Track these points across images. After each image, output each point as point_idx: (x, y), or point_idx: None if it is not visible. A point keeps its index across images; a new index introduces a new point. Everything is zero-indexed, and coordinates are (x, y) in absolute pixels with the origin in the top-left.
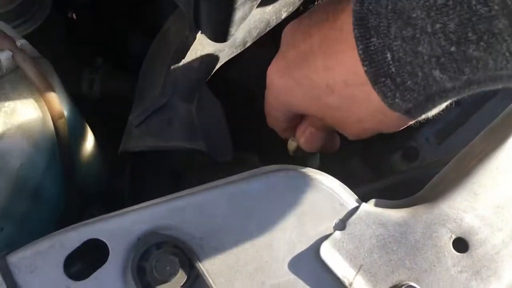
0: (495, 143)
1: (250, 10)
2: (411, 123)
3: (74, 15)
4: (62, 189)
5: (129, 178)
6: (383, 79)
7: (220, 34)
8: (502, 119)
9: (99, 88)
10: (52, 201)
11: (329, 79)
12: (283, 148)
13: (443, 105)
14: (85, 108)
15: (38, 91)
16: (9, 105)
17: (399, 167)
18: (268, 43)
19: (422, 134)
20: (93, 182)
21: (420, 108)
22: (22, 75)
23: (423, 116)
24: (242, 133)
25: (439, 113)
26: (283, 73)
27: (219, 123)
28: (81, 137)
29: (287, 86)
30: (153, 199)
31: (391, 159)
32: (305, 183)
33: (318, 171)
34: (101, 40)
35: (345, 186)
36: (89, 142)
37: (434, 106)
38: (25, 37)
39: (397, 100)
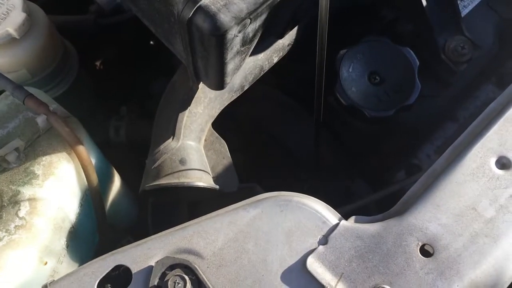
0: (455, 160)
1: (242, 61)
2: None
3: (101, 66)
4: (95, 225)
5: (150, 212)
6: None
7: (217, 84)
8: (462, 139)
9: (124, 134)
10: (87, 236)
11: None
12: (283, 176)
13: None
14: (116, 152)
15: (69, 145)
16: (46, 159)
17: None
18: (272, 81)
19: (423, 151)
20: (123, 218)
21: None
22: (55, 134)
23: None
24: (248, 165)
25: (438, 131)
26: None
27: (225, 159)
28: (109, 179)
29: None
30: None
31: (395, 178)
32: (292, 206)
33: (305, 195)
34: (126, 87)
35: (329, 206)
36: (116, 183)
37: None
38: (58, 97)
39: None
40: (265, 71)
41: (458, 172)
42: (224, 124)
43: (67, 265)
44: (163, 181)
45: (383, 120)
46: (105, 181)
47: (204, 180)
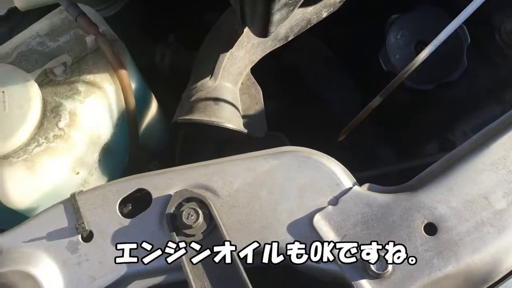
0: (478, 148)
1: (288, 13)
2: None
3: None
4: (127, 145)
5: (180, 143)
6: None
7: (261, 32)
8: (491, 127)
9: (169, 62)
10: (118, 155)
11: None
12: (314, 130)
13: None
14: (159, 76)
15: (113, 68)
16: (90, 77)
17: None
18: (320, 33)
19: (460, 128)
20: (154, 142)
21: None
22: (101, 55)
23: None
24: (281, 113)
25: (480, 110)
26: None
27: (257, 105)
28: (146, 104)
29: None
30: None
31: (426, 151)
32: (310, 163)
33: (325, 154)
34: (177, 15)
35: (346, 170)
36: (153, 108)
37: None
38: (108, 18)
39: None
40: (313, 24)
41: (479, 160)
42: (265, 67)
43: (97, 178)
44: (195, 116)
45: (421, 93)
46: (142, 105)
47: (233, 122)
